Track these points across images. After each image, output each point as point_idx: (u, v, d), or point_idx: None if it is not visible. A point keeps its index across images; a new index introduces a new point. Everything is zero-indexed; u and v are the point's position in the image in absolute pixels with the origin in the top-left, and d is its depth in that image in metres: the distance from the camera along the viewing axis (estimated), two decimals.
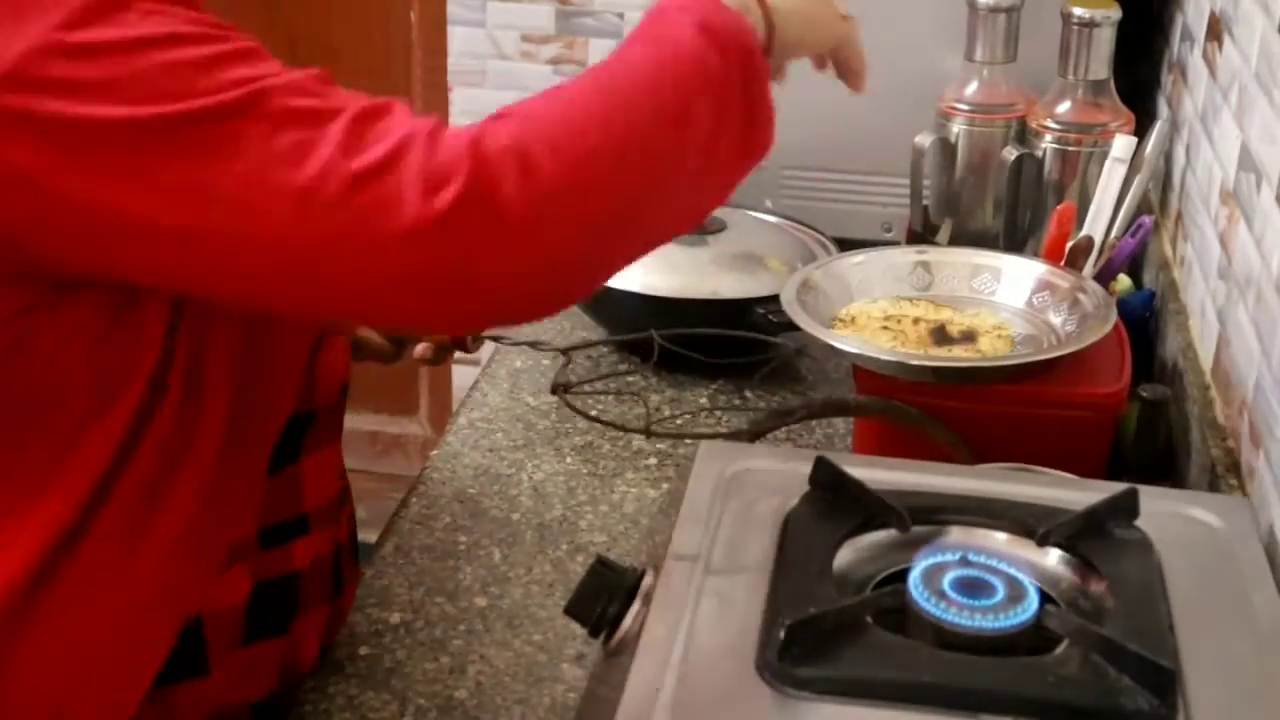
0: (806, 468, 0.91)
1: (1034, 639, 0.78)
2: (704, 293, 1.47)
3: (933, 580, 0.80)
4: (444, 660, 1.10)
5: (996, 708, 0.74)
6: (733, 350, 1.43)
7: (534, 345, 1.42)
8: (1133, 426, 1.23)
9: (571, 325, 1.57)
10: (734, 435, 1.31)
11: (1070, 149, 1.52)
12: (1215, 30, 1.43)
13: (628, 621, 0.84)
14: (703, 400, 1.45)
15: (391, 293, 0.80)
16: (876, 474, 0.92)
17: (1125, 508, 0.89)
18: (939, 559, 0.82)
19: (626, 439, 1.38)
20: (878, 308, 1.30)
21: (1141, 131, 1.46)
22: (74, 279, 0.83)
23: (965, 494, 0.92)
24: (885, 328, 1.26)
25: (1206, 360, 1.28)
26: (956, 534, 0.89)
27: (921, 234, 1.60)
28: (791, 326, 1.27)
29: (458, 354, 1.29)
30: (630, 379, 1.47)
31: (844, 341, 1.22)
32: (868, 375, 1.21)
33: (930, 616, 0.78)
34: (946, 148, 1.58)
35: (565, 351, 1.40)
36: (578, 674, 1.08)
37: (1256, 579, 0.86)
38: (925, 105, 1.58)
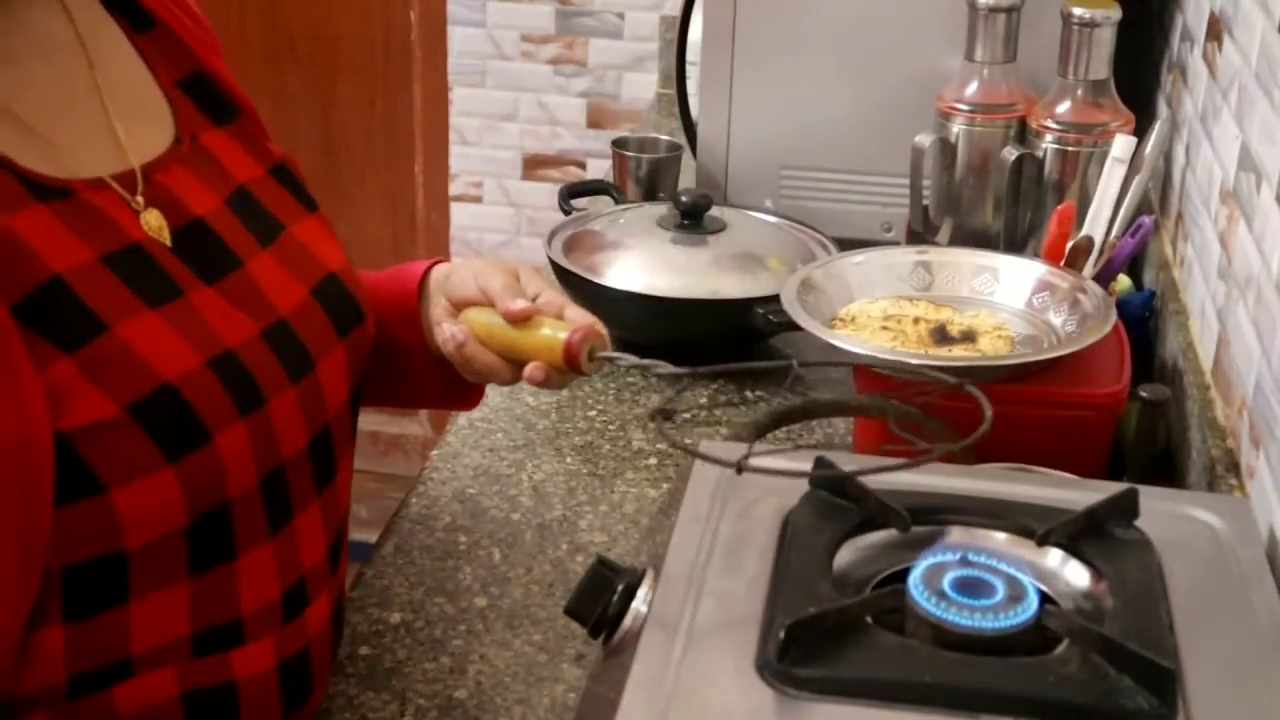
0: (806, 468, 0.91)
1: (1034, 639, 0.78)
2: (704, 293, 1.48)
3: (933, 580, 0.80)
4: (444, 660, 1.10)
5: (996, 708, 0.74)
6: (739, 351, 1.43)
7: (644, 370, 1.22)
8: (1133, 426, 1.23)
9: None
10: (734, 435, 1.31)
11: (1070, 149, 1.52)
12: (1215, 30, 1.43)
13: (628, 621, 0.84)
14: (703, 400, 1.45)
15: None
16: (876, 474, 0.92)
17: (1125, 508, 0.88)
18: (939, 559, 0.82)
19: (626, 439, 1.38)
20: (878, 307, 1.30)
21: (1141, 131, 1.46)
22: None
23: (965, 494, 0.92)
24: (885, 328, 1.26)
25: (1206, 360, 1.27)
26: (956, 534, 0.89)
27: (921, 234, 1.60)
28: (792, 326, 1.27)
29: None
30: (718, 410, 1.44)
31: (844, 341, 1.22)
32: (868, 375, 1.21)
33: (930, 616, 0.78)
34: (946, 148, 1.58)
35: (679, 378, 1.17)
36: (578, 674, 1.08)
37: (1256, 579, 0.86)
38: (925, 105, 1.59)
